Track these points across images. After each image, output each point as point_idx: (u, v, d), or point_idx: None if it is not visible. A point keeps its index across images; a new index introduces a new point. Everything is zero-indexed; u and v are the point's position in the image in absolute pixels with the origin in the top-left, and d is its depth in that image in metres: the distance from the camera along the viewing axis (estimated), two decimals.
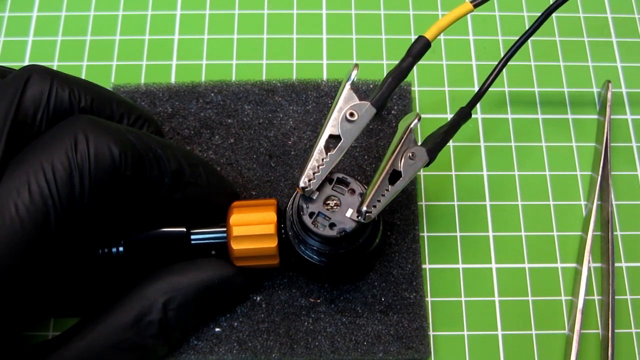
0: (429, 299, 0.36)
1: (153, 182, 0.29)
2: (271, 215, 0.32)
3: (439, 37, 0.43)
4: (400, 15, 0.44)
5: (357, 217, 0.30)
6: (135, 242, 0.32)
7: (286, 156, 0.38)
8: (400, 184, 0.30)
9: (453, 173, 0.39)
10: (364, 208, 0.29)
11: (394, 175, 0.30)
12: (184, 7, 0.44)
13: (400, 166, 0.30)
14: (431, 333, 0.36)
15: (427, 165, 0.31)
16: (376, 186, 0.29)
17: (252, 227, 0.32)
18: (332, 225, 0.30)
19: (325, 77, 0.42)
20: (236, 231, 0.32)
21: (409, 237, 0.36)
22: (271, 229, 0.32)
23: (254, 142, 0.38)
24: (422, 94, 0.41)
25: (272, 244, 0.32)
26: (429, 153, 0.31)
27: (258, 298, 0.35)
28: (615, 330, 0.36)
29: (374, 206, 0.29)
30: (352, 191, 0.31)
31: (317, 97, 0.39)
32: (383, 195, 0.29)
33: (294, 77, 0.42)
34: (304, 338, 0.34)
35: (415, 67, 0.41)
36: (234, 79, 0.41)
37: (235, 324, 0.34)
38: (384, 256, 0.36)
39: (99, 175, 0.27)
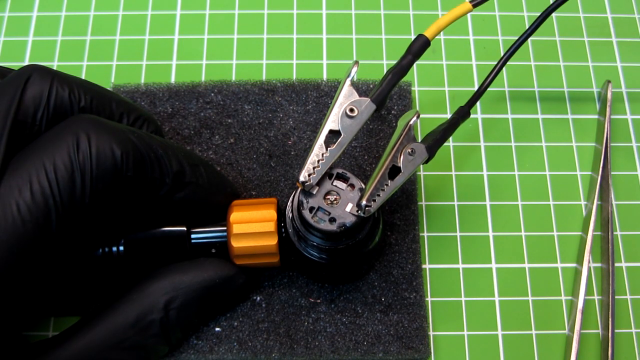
0: (429, 299, 0.36)
1: (154, 182, 0.29)
2: (271, 213, 0.32)
3: (439, 37, 0.43)
4: (400, 15, 0.44)
5: (357, 211, 0.30)
6: (135, 241, 0.32)
7: (286, 156, 0.38)
8: (400, 180, 0.30)
9: (453, 173, 0.39)
10: (364, 202, 0.29)
11: (394, 171, 0.30)
12: (184, 7, 0.44)
13: (400, 162, 0.30)
14: (431, 333, 0.36)
15: (427, 162, 0.31)
16: (376, 181, 0.29)
17: (252, 224, 0.32)
18: (332, 220, 0.30)
19: (325, 77, 0.42)
20: (236, 229, 0.32)
21: (409, 237, 0.36)
22: (271, 226, 0.32)
23: (254, 142, 0.38)
24: (422, 94, 0.41)
25: (273, 241, 0.32)
26: (428, 150, 0.31)
27: (258, 298, 0.35)
28: (615, 330, 0.36)
29: (374, 200, 0.29)
30: (352, 186, 0.31)
31: (317, 97, 0.39)
32: (382, 190, 0.29)
33: (294, 77, 0.42)
34: (304, 338, 0.34)
35: (415, 67, 0.41)
36: (234, 79, 0.41)
37: (235, 323, 0.34)
38: (384, 256, 0.36)
39: (100, 176, 0.27)
